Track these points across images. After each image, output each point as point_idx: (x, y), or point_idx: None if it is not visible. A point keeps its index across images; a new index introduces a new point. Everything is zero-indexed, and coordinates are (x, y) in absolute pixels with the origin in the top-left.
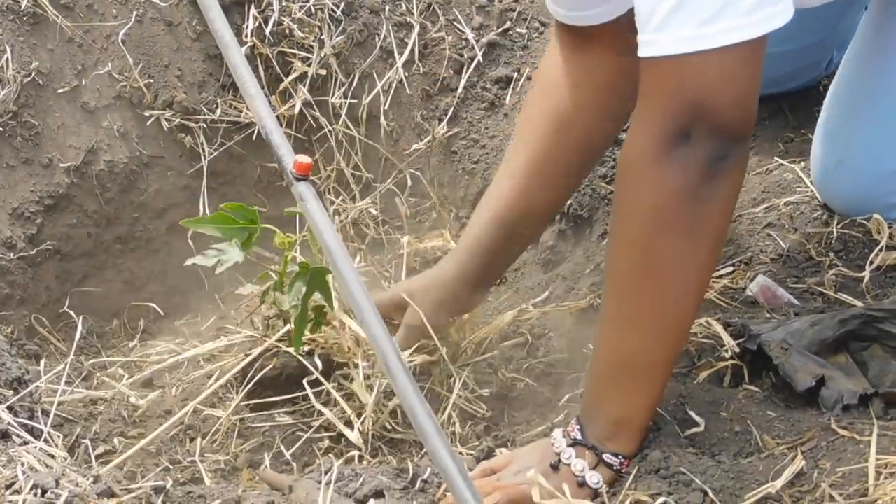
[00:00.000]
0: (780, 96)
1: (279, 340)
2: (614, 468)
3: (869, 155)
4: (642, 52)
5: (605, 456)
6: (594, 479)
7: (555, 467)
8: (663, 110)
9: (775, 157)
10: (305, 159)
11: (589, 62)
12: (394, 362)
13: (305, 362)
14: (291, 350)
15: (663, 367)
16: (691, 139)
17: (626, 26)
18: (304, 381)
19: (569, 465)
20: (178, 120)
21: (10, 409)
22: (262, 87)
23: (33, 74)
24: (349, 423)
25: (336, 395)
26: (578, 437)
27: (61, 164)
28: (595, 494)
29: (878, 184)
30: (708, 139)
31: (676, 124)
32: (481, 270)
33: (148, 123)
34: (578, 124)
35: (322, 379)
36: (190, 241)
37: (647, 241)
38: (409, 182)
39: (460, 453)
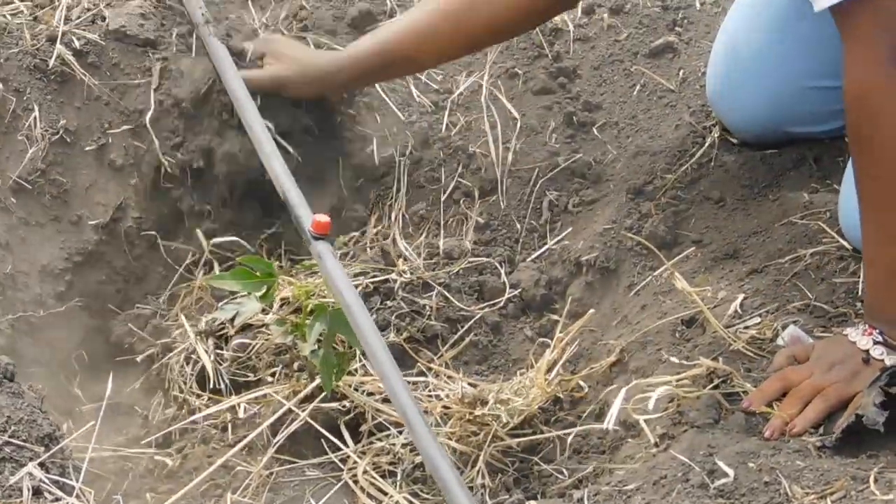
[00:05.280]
0: (805, 145)
1: (306, 398)
2: None
3: None
4: None
5: None
6: None
7: (866, 362)
8: (877, 37)
9: (801, 209)
10: (324, 218)
11: None
12: (415, 418)
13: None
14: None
15: None
16: None
17: None
18: (333, 437)
19: (881, 360)
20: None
21: (41, 465)
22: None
23: (61, 132)
24: (383, 476)
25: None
26: (880, 338)
27: (90, 222)
28: None
29: None
30: None
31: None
32: (355, 80)
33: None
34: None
35: (348, 438)
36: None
37: None
38: None
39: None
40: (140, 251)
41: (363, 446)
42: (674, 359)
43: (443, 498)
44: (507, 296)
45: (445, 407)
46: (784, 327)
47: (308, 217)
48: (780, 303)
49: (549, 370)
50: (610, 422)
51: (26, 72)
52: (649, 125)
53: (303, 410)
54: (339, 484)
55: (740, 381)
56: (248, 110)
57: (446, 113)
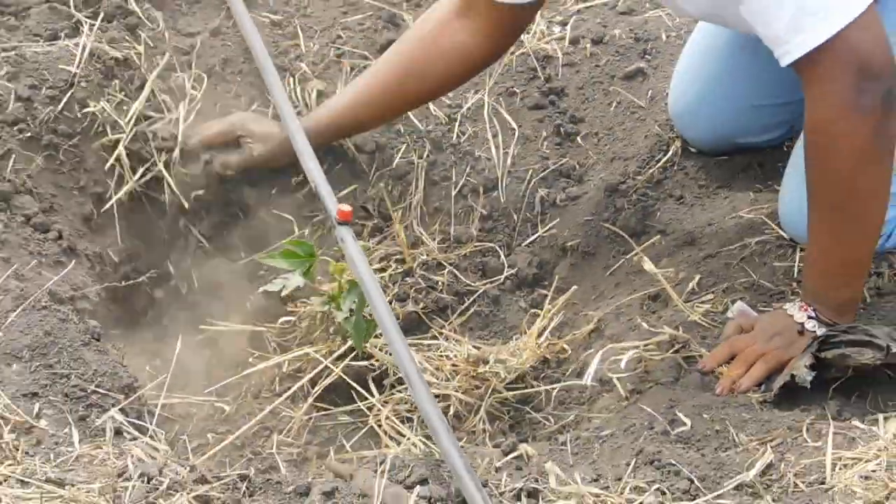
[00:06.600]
0: (751, 153)
1: (340, 356)
2: None
3: None
4: (808, 46)
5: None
6: None
7: (801, 332)
8: (841, 78)
9: (747, 205)
10: (346, 208)
11: (466, 30)
12: (414, 376)
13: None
14: (351, 361)
15: (867, 262)
16: (864, 91)
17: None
18: (361, 389)
19: (813, 331)
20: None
21: (122, 410)
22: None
23: None
24: (402, 421)
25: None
26: (813, 314)
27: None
28: None
29: None
30: (877, 84)
31: (853, 82)
32: (316, 146)
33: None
34: (427, 77)
35: (374, 390)
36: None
37: (853, 177)
38: None
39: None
40: (210, 224)
41: (386, 397)
42: (644, 325)
43: None
44: (505, 274)
45: (454, 365)
46: (733, 302)
47: (334, 206)
48: (730, 282)
49: (539, 335)
50: (588, 378)
51: None
52: (623, 136)
53: (337, 367)
54: (366, 428)
55: (696, 346)
56: (292, 120)
57: (457, 124)
